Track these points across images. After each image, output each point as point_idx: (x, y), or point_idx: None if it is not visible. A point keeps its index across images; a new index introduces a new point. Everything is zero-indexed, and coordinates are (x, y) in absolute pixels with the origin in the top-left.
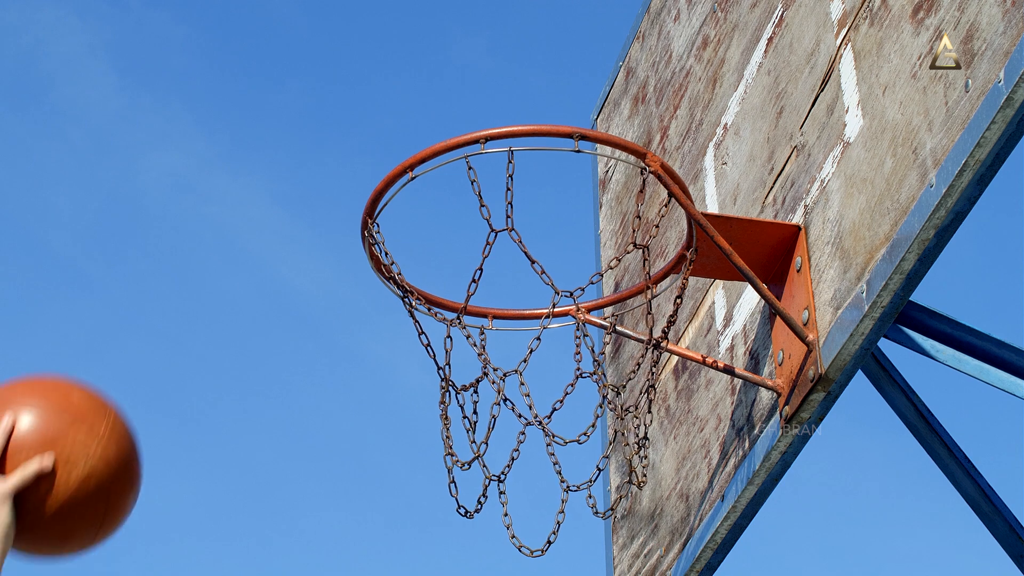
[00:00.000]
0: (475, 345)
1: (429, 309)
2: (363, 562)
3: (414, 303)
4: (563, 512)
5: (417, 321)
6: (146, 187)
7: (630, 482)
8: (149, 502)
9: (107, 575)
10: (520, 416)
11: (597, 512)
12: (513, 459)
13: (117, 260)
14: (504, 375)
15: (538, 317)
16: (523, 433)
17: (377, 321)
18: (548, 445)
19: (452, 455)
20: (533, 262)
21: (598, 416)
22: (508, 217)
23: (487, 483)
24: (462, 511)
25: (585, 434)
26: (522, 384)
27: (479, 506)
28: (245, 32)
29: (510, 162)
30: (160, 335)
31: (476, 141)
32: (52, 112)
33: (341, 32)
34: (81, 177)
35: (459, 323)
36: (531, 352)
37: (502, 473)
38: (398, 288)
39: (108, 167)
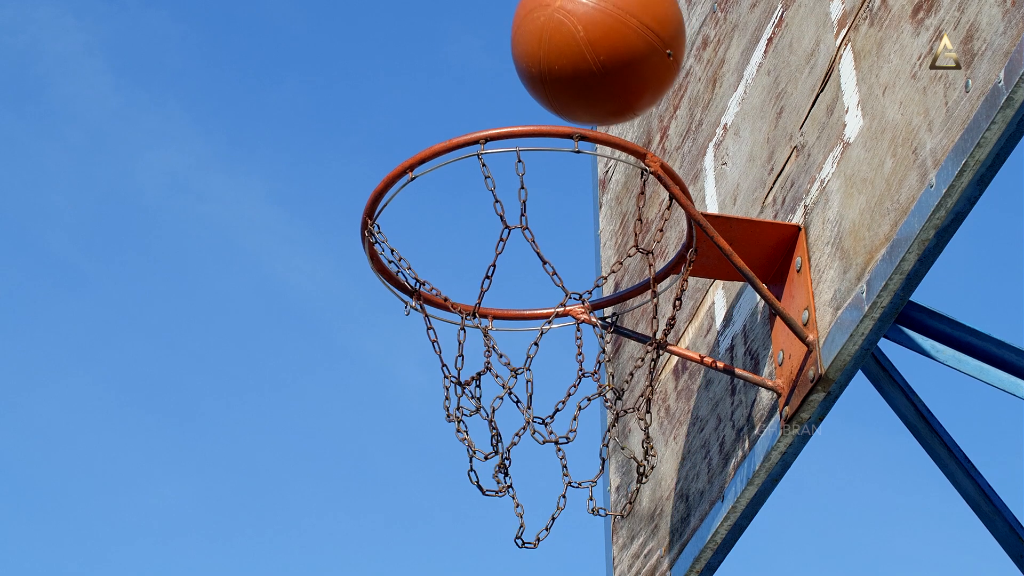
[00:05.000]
0: (488, 347)
1: (446, 300)
2: (361, 561)
3: (421, 304)
4: (563, 503)
5: (427, 315)
6: (143, 186)
7: (639, 478)
8: (147, 501)
9: (108, 575)
10: (526, 413)
11: (601, 512)
12: (511, 448)
13: (114, 259)
14: (514, 370)
15: (538, 318)
16: (526, 429)
17: (374, 320)
18: (555, 444)
19: (473, 449)
20: (545, 262)
21: (608, 431)
22: (522, 215)
23: (501, 477)
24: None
25: (572, 431)
26: (529, 382)
27: (504, 483)
28: (242, 31)
29: (519, 161)
30: (157, 334)
31: (476, 141)
32: (48, 111)
33: (337, 31)
34: (78, 176)
35: (474, 319)
36: (536, 350)
37: (507, 459)
38: (400, 287)
39: (105, 166)
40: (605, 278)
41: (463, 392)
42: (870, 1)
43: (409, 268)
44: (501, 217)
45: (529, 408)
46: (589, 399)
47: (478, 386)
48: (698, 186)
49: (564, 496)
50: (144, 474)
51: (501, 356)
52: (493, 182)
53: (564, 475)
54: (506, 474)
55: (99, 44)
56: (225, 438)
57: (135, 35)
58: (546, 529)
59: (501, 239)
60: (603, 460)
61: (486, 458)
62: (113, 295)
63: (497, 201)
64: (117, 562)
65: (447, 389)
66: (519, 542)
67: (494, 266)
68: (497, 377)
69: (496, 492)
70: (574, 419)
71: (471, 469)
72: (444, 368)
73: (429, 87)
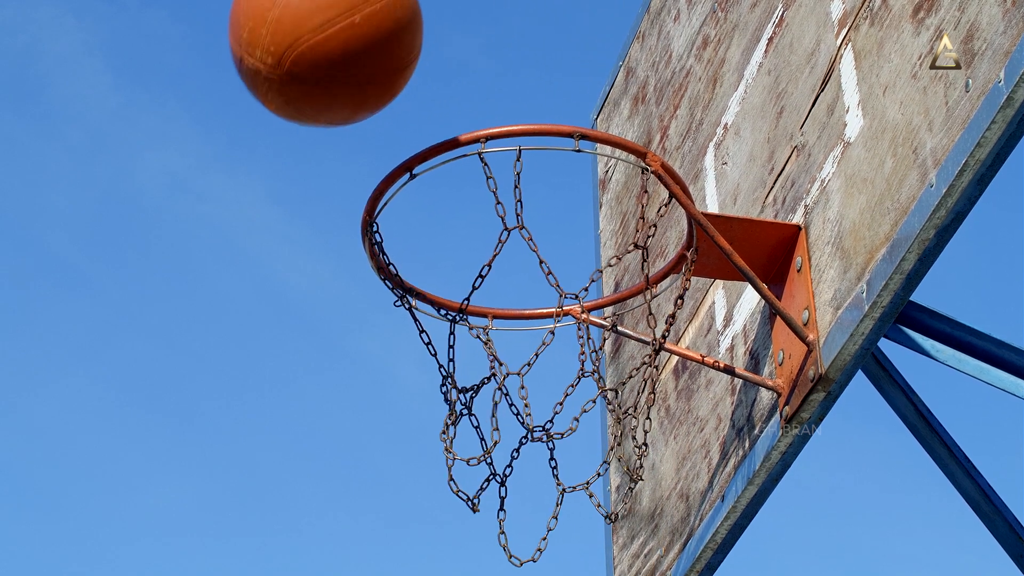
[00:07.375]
0: (485, 345)
1: (438, 309)
2: (361, 561)
3: (415, 302)
4: (555, 518)
5: (417, 320)
6: (143, 186)
7: (631, 480)
8: (147, 501)
9: (107, 575)
10: (518, 415)
11: (604, 513)
12: (513, 458)
13: (114, 259)
14: (507, 373)
15: (538, 317)
16: (526, 437)
17: (374, 320)
18: (547, 442)
19: (451, 453)
20: (542, 262)
21: (604, 428)
22: (518, 215)
23: (486, 483)
24: (469, 505)
25: (571, 429)
26: (522, 388)
27: (478, 498)
28: None
29: (518, 160)
30: (157, 334)
31: (477, 140)
32: (48, 111)
33: None
34: (78, 176)
35: (463, 320)
36: (537, 356)
37: (505, 472)
38: (398, 288)
39: (105, 166)
40: (601, 271)
41: (457, 396)
42: (870, 1)
43: (397, 275)
44: (502, 219)
45: (527, 413)
46: (594, 402)
47: (476, 393)
48: (698, 186)
49: (559, 504)
50: (144, 474)
51: (494, 359)
52: (495, 183)
53: (557, 483)
54: (503, 482)
55: (99, 44)
56: (225, 438)
57: (135, 35)
58: (543, 540)
59: (500, 240)
60: (606, 463)
61: (501, 477)
62: (113, 295)
63: (499, 203)
64: (117, 562)
65: (446, 395)
66: (515, 561)
67: (489, 266)
68: (500, 388)
69: (470, 502)
70: (575, 420)
71: (451, 479)
72: (442, 370)
73: (430, 88)
